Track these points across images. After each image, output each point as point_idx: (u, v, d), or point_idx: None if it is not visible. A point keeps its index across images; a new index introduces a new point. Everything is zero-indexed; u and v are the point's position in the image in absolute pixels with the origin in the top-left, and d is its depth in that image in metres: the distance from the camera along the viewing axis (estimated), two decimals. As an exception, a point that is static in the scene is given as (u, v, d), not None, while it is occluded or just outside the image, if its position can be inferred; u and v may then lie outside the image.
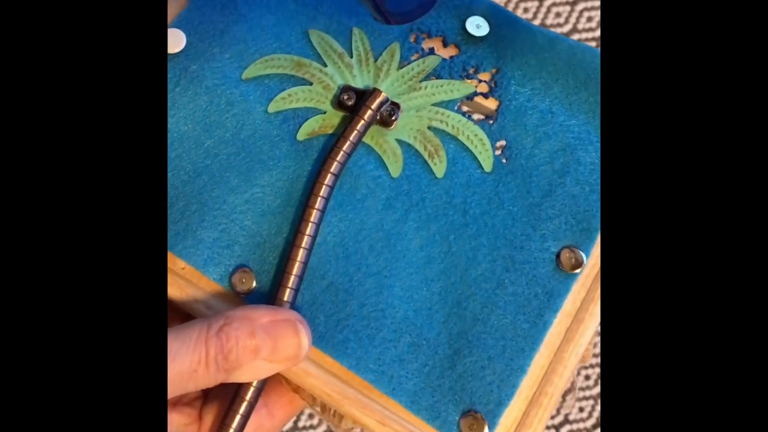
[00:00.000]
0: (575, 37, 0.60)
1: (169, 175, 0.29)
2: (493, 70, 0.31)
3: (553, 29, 0.61)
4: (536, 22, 0.61)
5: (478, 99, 0.30)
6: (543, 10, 0.61)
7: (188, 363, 0.24)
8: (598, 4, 0.60)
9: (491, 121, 0.30)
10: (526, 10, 0.60)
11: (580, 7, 0.61)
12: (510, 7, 0.60)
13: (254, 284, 0.28)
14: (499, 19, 0.31)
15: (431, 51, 0.31)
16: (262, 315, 0.26)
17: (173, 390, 0.24)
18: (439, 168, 0.29)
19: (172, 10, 0.32)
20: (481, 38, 0.31)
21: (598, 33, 0.60)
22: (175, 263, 0.28)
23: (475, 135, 0.30)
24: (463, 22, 0.31)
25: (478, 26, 0.31)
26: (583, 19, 0.61)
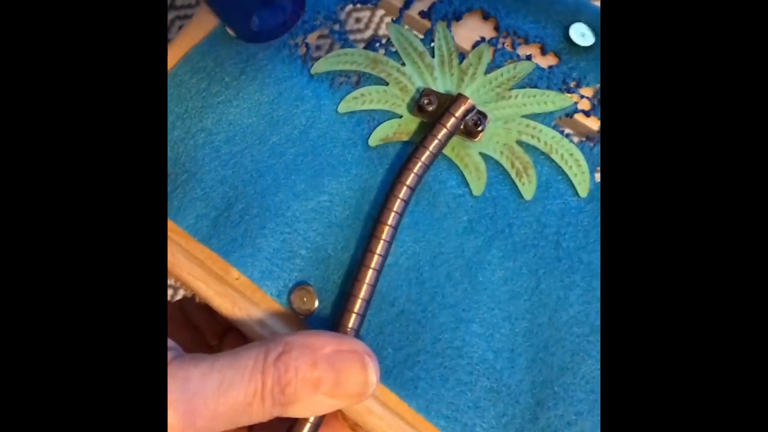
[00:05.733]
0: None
1: (230, 172, 0.26)
2: (597, 86, 0.27)
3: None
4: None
5: (578, 116, 0.27)
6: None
7: (243, 395, 0.21)
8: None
9: (592, 143, 0.27)
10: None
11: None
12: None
13: (316, 304, 0.25)
14: (607, 28, 0.28)
15: (528, 58, 0.28)
16: (326, 343, 0.23)
17: (224, 424, 0.21)
18: (528, 189, 0.26)
19: None
20: (586, 49, 0.28)
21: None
22: (229, 272, 0.25)
23: (571, 155, 0.26)
24: (567, 29, 0.28)
25: (583, 35, 0.28)
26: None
